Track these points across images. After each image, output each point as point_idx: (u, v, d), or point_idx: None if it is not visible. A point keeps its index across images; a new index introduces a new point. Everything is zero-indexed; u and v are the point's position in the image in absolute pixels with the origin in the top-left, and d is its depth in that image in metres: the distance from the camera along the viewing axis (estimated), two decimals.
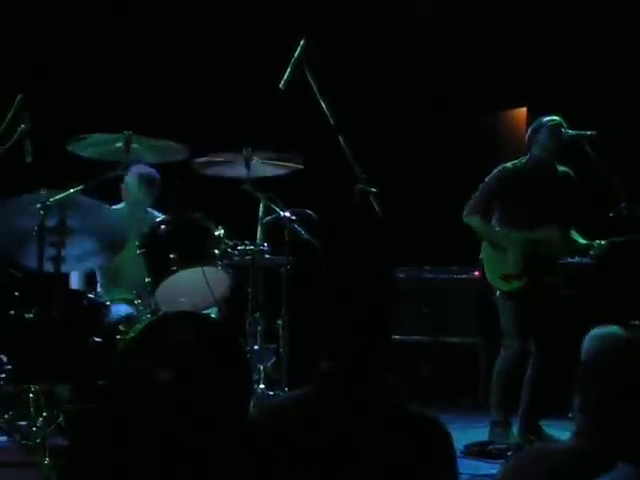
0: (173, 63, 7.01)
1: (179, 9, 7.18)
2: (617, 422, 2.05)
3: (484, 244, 5.48)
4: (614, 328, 2.48)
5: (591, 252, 5.32)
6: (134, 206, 5.34)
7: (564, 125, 5.38)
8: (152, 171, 5.31)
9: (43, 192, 4.41)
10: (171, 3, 7.19)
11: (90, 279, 5.33)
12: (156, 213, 5.36)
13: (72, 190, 4.39)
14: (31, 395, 4.23)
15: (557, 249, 5.38)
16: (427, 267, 6.53)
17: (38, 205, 4.30)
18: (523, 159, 5.50)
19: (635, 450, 1.99)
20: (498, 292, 5.41)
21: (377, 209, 4.63)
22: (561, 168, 5.52)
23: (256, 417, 2.19)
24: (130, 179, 5.26)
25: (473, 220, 5.46)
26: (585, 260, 5.43)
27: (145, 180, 5.29)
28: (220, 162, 4.99)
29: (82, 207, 4.46)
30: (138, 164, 5.18)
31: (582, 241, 5.47)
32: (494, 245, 5.43)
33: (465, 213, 5.49)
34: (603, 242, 5.30)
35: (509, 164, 5.50)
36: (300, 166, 4.98)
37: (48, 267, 4.35)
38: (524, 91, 7.16)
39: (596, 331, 2.56)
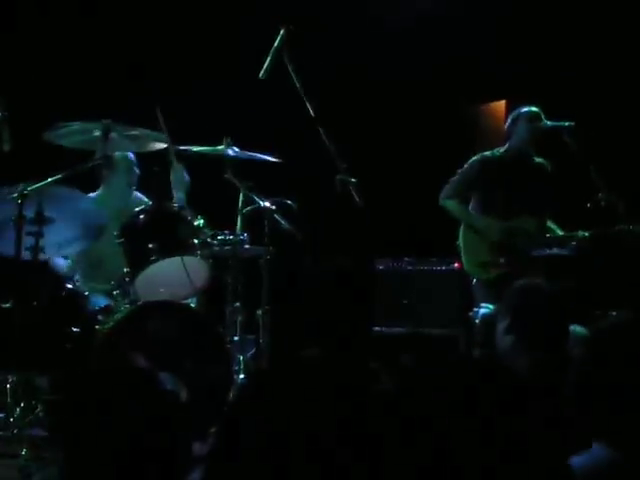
0: (154, 51, 6.95)
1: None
2: None
3: (462, 231, 5.51)
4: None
5: (573, 243, 5.30)
6: (118, 190, 5.24)
7: (542, 116, 5.42)
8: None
9: (22, 186, 4.36)
10: None
11: None
12: (145, 198, 5.31)
13: (50, 179, 4.35)
14: (8, 385, 4.19)
15: (533, 240, 5.40)
16: (407, 258, 6.51)
17: (15, 194, 4.25)
18: (502, 149, 5.57)
19: None
20: (475, 280, 5.42)
21: (357, 200, 4.62)
22: (537, 159, 5.58)
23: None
24: (121, 162, 5.18)
25: (450, 203, 5.50)
26: (564, 251, 5.40)
27: (135, 165, 5.24)
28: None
29: (59, 196, 4.41)
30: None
31: (560, 232, 5.49)
32: (472, 228, 5.45)
33: (442, 196, 5.54)
34: (586, 234, 5.29)
35: (488, 153, 5.58)
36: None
37: (26, 257, 4.30)
38: (504, 84, 7.16)
39: None
